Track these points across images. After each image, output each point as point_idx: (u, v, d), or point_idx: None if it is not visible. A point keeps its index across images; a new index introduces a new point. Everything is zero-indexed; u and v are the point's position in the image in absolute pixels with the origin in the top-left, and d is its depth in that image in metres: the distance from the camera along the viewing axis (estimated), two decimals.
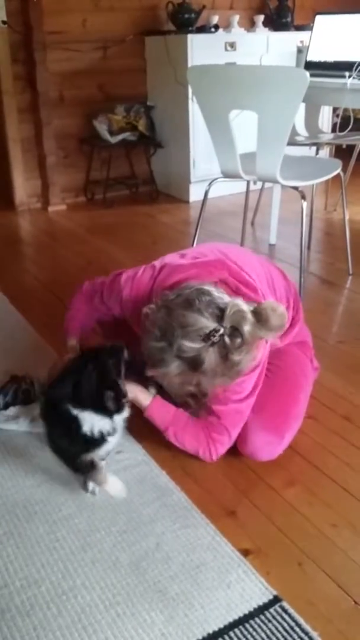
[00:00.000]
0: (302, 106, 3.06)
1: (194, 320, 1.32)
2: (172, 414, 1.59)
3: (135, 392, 1.56)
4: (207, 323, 1.32)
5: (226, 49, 3.91)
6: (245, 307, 1.34)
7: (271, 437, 1.60)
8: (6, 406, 1.83)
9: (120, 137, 3.99)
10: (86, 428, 1.41)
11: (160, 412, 1.59)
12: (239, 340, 1.32)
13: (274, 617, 1.20)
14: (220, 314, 1.33)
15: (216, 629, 1.18)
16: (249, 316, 1.33)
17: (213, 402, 1.54)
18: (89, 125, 4.05)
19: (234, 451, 1.65)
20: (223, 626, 1.18)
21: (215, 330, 1.31)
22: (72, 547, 1.37)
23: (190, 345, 1.31)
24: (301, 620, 1.19)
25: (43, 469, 1.61)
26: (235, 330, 1.32)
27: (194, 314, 1.33)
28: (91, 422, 1.41)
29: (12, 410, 1.82)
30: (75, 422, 1.41)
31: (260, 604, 1.23)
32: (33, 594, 1.26)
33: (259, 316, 1.34)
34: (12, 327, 2.41)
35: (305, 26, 4.04)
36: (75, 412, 1.41)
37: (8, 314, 2.53)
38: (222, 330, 1.31)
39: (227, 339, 1.31)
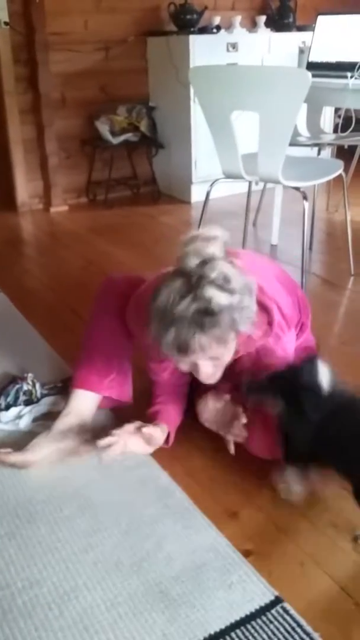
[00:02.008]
0: (304, 107, 3.06)
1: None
2: None
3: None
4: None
5: (228, 50, 3.91)
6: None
7: (276, 435, 1.59)
8: (8, 407, 1.84)
9: (122, 137, 3.99)
10: None
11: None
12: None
13: (275, 617, 1.20)
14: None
15: (218, 629, 1.18)
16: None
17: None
18: (90, 126, 4.06)
19: (237, 452, 1.65)
20: (224, 627, 1.18)
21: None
22: (74, 548, 1.37)
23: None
24: (303, 621, 1.19)
25: (45, 469, 1.61)
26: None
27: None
28: None
29: (13, 411, 1.82)
30: None
31: (262, 604, 1.23)
32: (34, 595, 1.26)
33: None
34: (14, 328, 2.41)
35: (307, 27, 4.05)
36: None
37: (10, 315, 2.53)
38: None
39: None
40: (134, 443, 1.61)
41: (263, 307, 1.47)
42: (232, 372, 1.52)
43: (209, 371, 1.44)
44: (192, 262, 1.31)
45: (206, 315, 1.29)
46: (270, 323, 1.50)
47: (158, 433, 1.63)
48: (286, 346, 1.57)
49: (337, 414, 1.35)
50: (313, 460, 1.40)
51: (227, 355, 1.44)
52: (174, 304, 1.29)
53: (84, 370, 1.69)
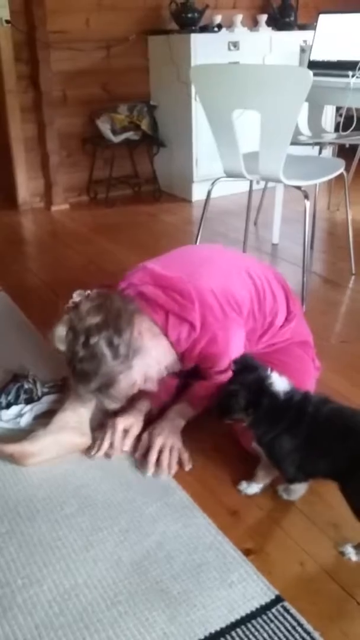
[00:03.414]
0: (305, 105, 3.05)
1: None
2: (186, 407, 1.70)
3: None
4: None
5: (229, 49, 3.91)
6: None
7: None
8: (8, 405, 1.83)
9: (123, 136, 3.99)
10: None
11: (184, 413, 1.69)
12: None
13: (275, 617, 1.20)
14: None
15: (218, 628, 1.18)
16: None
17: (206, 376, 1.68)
18: (91, 125, 4.05)
19: (236, 451, 1.65)
20: (225, 626, 1.18)
21: None
22: (74, 546, 1.37)
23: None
24: (303, 620, 1.19)
25: (45, 467, 1.61)
26: None
27: None
28: None
29: (14, 409, 1.82)
30: None
31: (262, 603, 1.23)
32: (35, 593, 1.26)
33: None
34: (15, 326, 2.41)
35: (309, 25, 4.04)
36: None
37: (10, 313, 2.53)
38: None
39: None
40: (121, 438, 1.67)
41: (180, 318, 1.58)
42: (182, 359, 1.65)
43: (152, 387, 1.61)
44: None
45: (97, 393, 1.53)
46: (192, 325, 1.58)
47: (136, 424, 1.69)
48: (229, 332, 1.61)
49: (319, 420, 1.37)
50: (304, 466, 1.42)
51: (151, 372, 1.57)
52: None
53: None
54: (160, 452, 1.59)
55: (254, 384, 1.40)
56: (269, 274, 1.82)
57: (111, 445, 1.64)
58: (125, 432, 1.66)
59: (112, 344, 1.46)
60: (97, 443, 1.65)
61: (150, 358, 1.55)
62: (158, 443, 1.60)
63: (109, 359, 1.46)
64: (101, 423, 1.71)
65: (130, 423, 1.67)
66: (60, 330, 1.51)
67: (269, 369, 1.43)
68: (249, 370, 1.43)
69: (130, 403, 1.68)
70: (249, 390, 1.40)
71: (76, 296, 1.56)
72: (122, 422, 1.66)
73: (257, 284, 1.73)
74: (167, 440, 1.61)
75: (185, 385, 1.78)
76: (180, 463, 1.61)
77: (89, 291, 1.58)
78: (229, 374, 1.52)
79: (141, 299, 1.62)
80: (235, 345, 1.62)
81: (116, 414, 1.68)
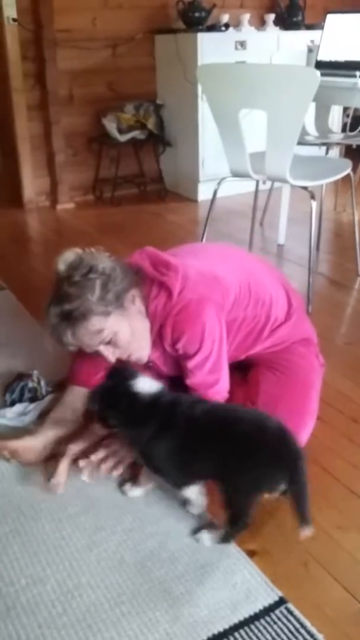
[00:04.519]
0: (312, 105, 3.05)
1: None
2: None
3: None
4: None
5: (236, 48, 3.90)
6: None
7: None
8: (13, 403, 1.84)
9: (129, 135, 3.99)
10: None
11: None
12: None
13: (279, 618, 1.20)
14: None
15: (221, 629, 1.18)
16: None
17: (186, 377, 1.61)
18: (98, 124, 4.05)
19: None
20: (228, 627, 1.18)
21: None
22: (78, 546, 1.37)
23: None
24: (307, 622, 1.18)
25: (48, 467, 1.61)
26: None
27: None
28: None
29: (19, 407, 1.82)
30: None
31: (266, 605, 1.22)
32: (38, 592, 1.26)
33: None
34: (20, 325, 2.41)
35: (316, 25, 4.02)
36: None
37: (16, 312, 2.54)
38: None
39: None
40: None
41: (160, 285, 1.58)
42: (161, 343, 1.60)
43: (110, 355, 1.55)
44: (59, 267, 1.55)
45: (63, 318, 1.48)
46: (170, 293, 1.56)
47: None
48: (203, 307, 1.56)
49: (194, 421, 1.37)
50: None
51: (120, 337, 1.53)
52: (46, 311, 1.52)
53: (76, 367, 1.73)
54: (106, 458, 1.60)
55: (112, 387, 1.41)
56: (267, 268, 1.83)
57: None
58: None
59: (106, 287, 1.49)
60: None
61: (127, 322, 1.54)
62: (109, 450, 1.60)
63: (95, 296, 1.48)
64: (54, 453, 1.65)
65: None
66: (70, 255, 1.57)
67: (137, 373, 1.43)
68: (117, 376, 1.44)
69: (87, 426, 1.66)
70: (106, 393, 1.41)
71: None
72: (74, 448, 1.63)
73: (251, 274, 1.73)
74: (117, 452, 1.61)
75: None
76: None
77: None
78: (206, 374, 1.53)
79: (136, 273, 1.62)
80: (209, 323, 1.55)
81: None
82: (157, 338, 1.60)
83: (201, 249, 1.84)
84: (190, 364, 1.57)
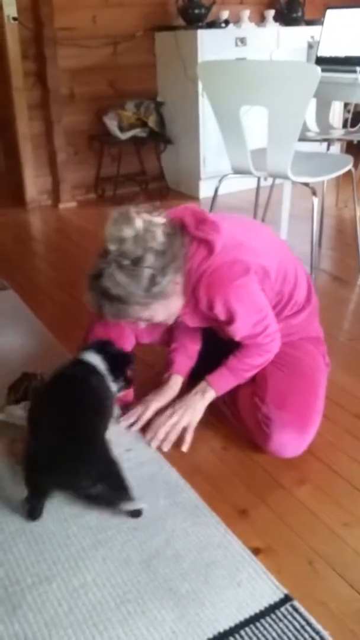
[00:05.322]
0: (313, 102, 3.04)
1: None
2: (227, 376, 1.70)
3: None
4: None
5: (236, 44, 3.90)
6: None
7: (296, 433, 1.60)
8: (17, 402, 1.84)
9: (130, 133, 3.98)
10: None
11: (221, 383, 1.71)
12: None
13: (284, 616, 1.20)
14: None
15: (227, 627, 1.18)
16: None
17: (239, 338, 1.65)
18: (99, 122, 4.05)
19: (245, 449, 1.65)
20: (234, 625, 1.18)
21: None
22: (83, 544, 1.38)
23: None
24: (312, 620, 1.18)
25: None
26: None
27: None
28: None
29: (23, 405, 1.82)
30: None
31: (271, 602, 1.23)
32: (44, 591, 1.27)
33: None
34: (23, 324, 2.42)
35: (316, 21, 4.01)
36: None
37: (19, 311, 2.54)
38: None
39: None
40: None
41: (200, 240, 1.57)
42: (195, 301, 1.61)
43: (143, 327, 1.66)
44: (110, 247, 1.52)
45: (105, 296, 1.49)
46: (209, 252, 1.56)
47: (172, 394, 1.78)
48: (237, 274, 1.56)
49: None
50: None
51: (156, 318, 1.59)
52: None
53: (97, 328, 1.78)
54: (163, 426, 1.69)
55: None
56: (292, 253, 1.85)
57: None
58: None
59: (154, 281, 1.47)
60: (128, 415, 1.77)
61: (165, 307, 1.58)
62: (166, 415, 1.70)
63: (141, 289, 1.47)
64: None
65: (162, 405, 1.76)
66: (125, 231, 1.51)
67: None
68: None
69: (163, 383, 1.79)
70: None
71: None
72: (155, 404, 1.76)
73: (281, 250, 1.77)
74: (174, 417, 1.69)
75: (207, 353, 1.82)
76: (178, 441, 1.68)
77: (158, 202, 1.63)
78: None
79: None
80: (242, 287, 1.56)
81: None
82: (192, 297, 1.61)
83: (238, 218, 1.85)
84: (231, 329, 1.61)
